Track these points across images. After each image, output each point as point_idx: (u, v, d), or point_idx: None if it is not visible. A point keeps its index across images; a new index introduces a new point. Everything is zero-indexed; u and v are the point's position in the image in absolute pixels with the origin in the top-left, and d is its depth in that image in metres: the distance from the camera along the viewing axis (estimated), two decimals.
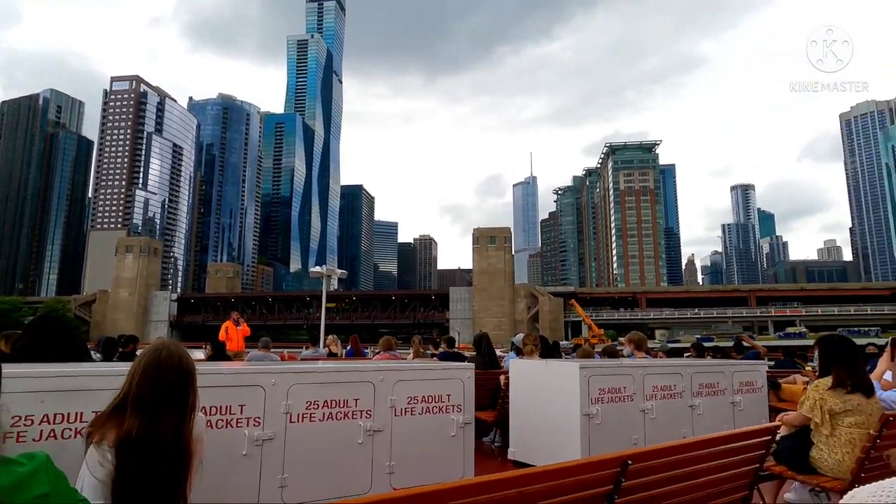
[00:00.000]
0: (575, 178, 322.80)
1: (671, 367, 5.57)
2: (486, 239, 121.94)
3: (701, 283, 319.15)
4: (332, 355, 14.14)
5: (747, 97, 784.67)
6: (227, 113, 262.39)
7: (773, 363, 11.34)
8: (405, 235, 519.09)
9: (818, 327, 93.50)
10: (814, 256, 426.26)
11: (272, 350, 10.46)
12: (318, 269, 25.33)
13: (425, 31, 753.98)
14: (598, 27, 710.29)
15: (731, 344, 14.02)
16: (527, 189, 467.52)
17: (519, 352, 8.25)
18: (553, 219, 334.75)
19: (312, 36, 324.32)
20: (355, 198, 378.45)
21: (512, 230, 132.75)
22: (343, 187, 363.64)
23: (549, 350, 9.03)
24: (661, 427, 5.05)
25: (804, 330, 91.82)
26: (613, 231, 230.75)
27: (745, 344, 12.22)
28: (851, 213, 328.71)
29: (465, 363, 5.78)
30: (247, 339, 14.67)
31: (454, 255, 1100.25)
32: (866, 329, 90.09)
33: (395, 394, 4.13)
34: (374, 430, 3.97)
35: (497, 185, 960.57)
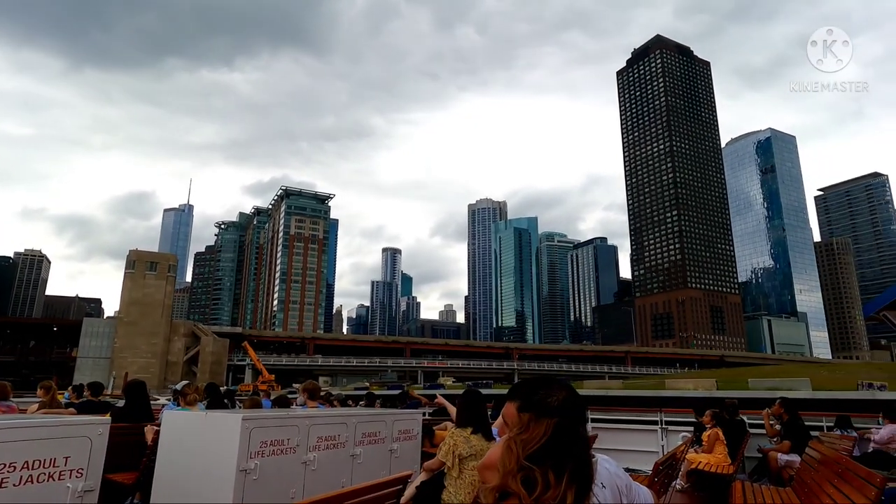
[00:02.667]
0: (241, 214, 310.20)
1: (338, 418, 5.56)
2: (144, 264, 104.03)
3: (345, 333, 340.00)
4: None
5: (405, 173, 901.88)
6: None
7: (433, 410, 12.43)
8: (3, 247, 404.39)
9: (459, 378, 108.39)
10: (436, 317, 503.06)
11: None
12: None
13: (81, 8, 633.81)
14: (284, 72, 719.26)
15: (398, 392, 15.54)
16: (181, 217, 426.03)
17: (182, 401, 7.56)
18: (211, 253, 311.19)
19: None
20: None
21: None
22: None
23: (219, 399, 8.32)
24: (323, 478, 4.97)
25: (449, 381, 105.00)
26: (278, 274, 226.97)
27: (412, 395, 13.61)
28: (469, 284, 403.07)
29: (97, 417, 4.97)
30: None
31: (73, 280, 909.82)
32: (486, 381, 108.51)
33: None
34: None
35: (143, 206, 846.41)
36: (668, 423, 11.16)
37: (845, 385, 42.02)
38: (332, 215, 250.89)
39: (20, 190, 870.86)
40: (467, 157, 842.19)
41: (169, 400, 11.55)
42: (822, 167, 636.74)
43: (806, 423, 9.01)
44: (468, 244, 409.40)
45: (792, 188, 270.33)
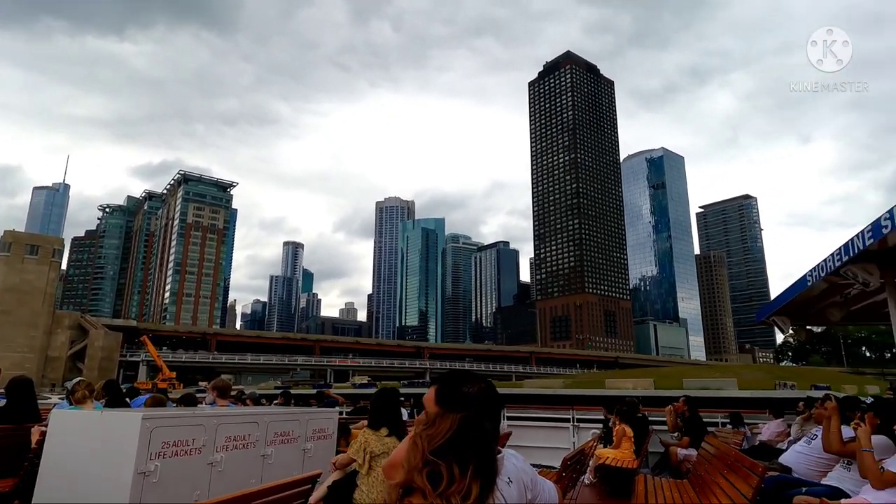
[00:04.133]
0: (130, 198, 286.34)
1: (249, 417, 5.44)
2: (23, 247, 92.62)
3: (239, 329, 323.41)
4: None
5: (310, 165, 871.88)
6: None
7: (350, 409, 12.44)
8: None
9: (374, 377, 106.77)
10: (336, 315, 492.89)
11: None
12: None
13: None
14: (182, 47, 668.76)
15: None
16: (54, 196, 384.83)
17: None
18: (91, 238, 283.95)
19: None
20: None
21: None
22: None
23: (120, 398, 8.09)
24: (230, 479, 4.88)
25: (364, 380, 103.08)
26: (172, 265, 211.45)
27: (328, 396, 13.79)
28: (374, 282, 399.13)
29: None
30: None
31: None
32: (404, 381, 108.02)
33: None
34: None
35: (7, 181, 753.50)
36: (580, 420, 11.85)
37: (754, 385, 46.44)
38: (235, 204, 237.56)
39: None
40: (376, 153, 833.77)
41: (62, 398, 10.69)
42: (703, 186, 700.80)
43: (704, 420, 9.72)
44: (375, 242, 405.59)
45: (679, 204, 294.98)
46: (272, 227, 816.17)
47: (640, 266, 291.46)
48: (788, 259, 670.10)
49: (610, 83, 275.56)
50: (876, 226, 4.13)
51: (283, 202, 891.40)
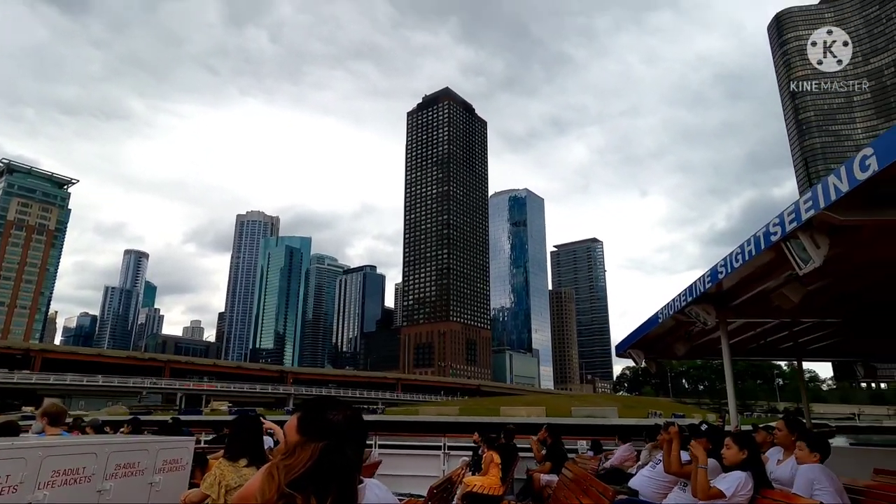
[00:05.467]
0: None
1: (83, 447, 4.88)
2: None
3: (58, 344, 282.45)
4: None
5: (163, 168, 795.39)
6: None
7: (210, 438, 11.91)
8: None
9: (234, 402, 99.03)
10: (180, 333, 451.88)
11: None
12: None
13: None
14: (14, 17, 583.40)
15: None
16: None
17: None
18: None
19: None
20: None
21: None
22: None
23: None
24: None
25: (223, 406, 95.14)
26: None
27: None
28: (227, 300, 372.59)
29: None
30: None
31: None
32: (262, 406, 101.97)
33: None
34: None
35: None
36: (450, 447, 12.09)
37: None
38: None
39: None
40: (240, 164, 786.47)
41: None
42: (556, 227, 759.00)
43: (566, 448, 10.38)
44: (232, 257, 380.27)
45: (537, 242, 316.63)
46: (110, 232, 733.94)
47: (498, 297, 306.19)
48: (625, 299, 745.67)
49: (483, 123, 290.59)
50: (713, 272, 4.85)
51: (127, 206, 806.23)
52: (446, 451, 11.67)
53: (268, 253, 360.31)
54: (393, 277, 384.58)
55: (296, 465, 1.47)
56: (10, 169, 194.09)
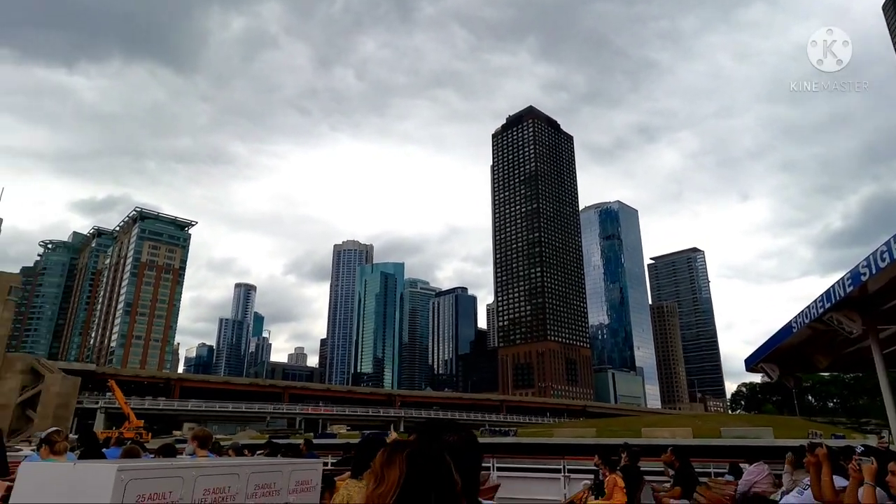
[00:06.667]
0: (76, 234, 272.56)
1: (227, 468, 4.94)
2: None
3: (181, 373, 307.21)
4: None
5: (264, 206, 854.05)
6: None
7: (336, 460, 12.06)
8: None
9: (351, 426, 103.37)
10: (285, 360, 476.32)
11: None
12: None
13: None
14: (138, 83, 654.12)
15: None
16: None
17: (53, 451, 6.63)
18: (29, 276, 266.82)
19: None
20: None
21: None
22: None
23: (96, 448, 7.72)
24: None
25: (343, 429, 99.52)
26: (122, 305, 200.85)
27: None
28: (329, 327, 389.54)
29: None
30: None
31: None
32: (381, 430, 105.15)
33: None
34: None
35: None
36: (570, 470, 11.69)
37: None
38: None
39: None
40: (333, 197, 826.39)
41: (34, 450, 9.99)
42: (650, 239, 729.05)
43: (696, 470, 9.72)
44: (331, 285, 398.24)
45: (634, 255, 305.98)
46: (221, 268, 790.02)
47: (594, 315, 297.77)
48: (730, 310, 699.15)
49: (569, 138, 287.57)
50: (855, 273, 4.20)
51: (234, 243, 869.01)
52: (566, 473, 11.44)
53: (364, 280, 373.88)
54: (483, 298, 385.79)
55: (388, 492, 1.37)
56: (142, 216, 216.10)
